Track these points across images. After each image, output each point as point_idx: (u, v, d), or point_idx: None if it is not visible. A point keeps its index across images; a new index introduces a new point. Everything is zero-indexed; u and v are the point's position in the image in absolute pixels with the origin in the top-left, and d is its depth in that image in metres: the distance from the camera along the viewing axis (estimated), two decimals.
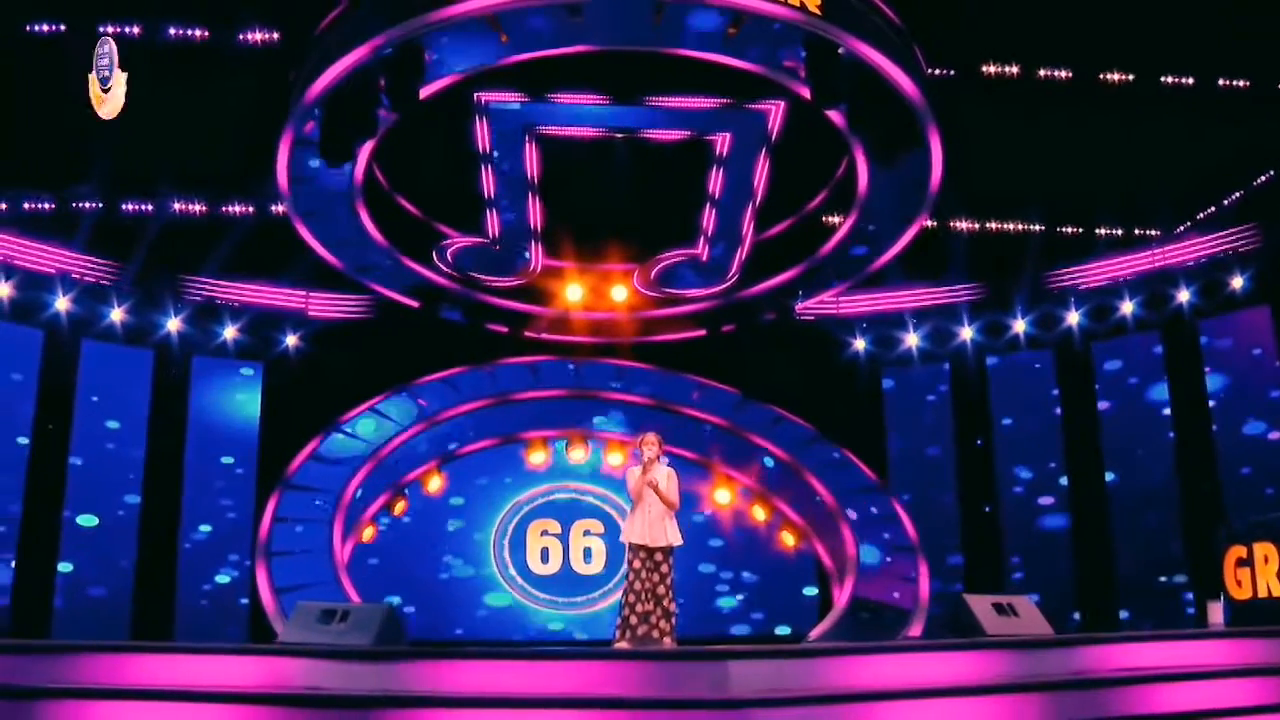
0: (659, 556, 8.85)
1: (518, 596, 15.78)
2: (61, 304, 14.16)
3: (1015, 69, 15.17)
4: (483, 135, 13.14)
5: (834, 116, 12.14)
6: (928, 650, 7.26)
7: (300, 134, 11.85)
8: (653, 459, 8.98)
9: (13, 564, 13.20)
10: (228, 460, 15.01)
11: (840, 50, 11.05)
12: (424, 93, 11.30)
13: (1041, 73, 15.23)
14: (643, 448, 9.03)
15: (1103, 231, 16.84)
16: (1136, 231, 16.22)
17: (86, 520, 14.01)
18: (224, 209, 15.24)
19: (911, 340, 16.47)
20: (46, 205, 14.78)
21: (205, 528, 14.65)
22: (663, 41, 11.13)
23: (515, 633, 15.49)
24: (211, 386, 15.19)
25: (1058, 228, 16.89)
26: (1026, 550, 15.26)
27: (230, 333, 15.37)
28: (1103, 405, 15.19)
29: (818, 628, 14.08)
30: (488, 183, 13.79)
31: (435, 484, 15.74)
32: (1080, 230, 16.88)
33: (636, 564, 8.84)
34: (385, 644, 6.98)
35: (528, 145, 13.31)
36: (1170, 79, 15.18)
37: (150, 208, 15.27)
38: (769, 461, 15.89)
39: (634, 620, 8.69)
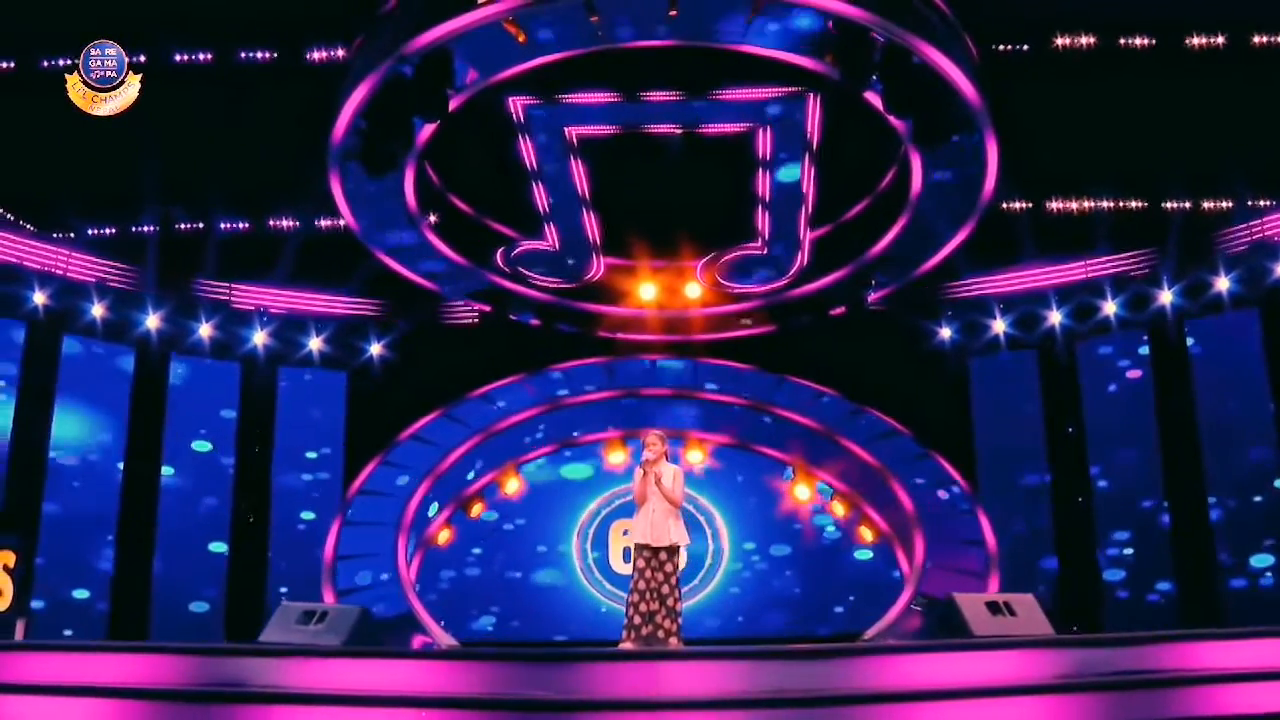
0: (663, 556, 8.80)
1: (600, 596, 15.85)
2: (151, 321, 14.92)
3: (1091, 39, 14.52)
4: (528, 151, 13.25)
5: (873, 99, 11.81)
6: (907, 652, 7.01)
7: (344, 167, 12.25)
8: (656, 458, 8.95)
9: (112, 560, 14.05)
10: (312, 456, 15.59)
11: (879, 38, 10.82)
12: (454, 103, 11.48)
13: (1121, 41, 14.54)
14: (645, 447, 9.02)
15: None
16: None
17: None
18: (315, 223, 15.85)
19: (999, 327, 15.89)
20: (141, 228, 15.64)
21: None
22: (684, 34, 11.03)
23: (599, 632, 15.54)
24: (297, 396, 15.71)
25: (1159, 203, 16.09)
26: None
27: (315, 343, 15.89)
28: (1197, 389, 14.34)
29: (875, 626, 13.76)
30: (540, 197, 13.94)
31: (513, 486, 15.93)
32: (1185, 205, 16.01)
33: (640, 563, 8.82)
34: (357, 644, 7.14)
35: (573, 160, 13.35)
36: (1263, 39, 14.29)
37: (248, 225, 16.03)
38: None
39: (638, 620, 8.65)
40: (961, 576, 13.94)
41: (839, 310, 15.31)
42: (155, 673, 5.69)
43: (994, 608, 7.52)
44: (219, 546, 14.76)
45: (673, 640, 8.61)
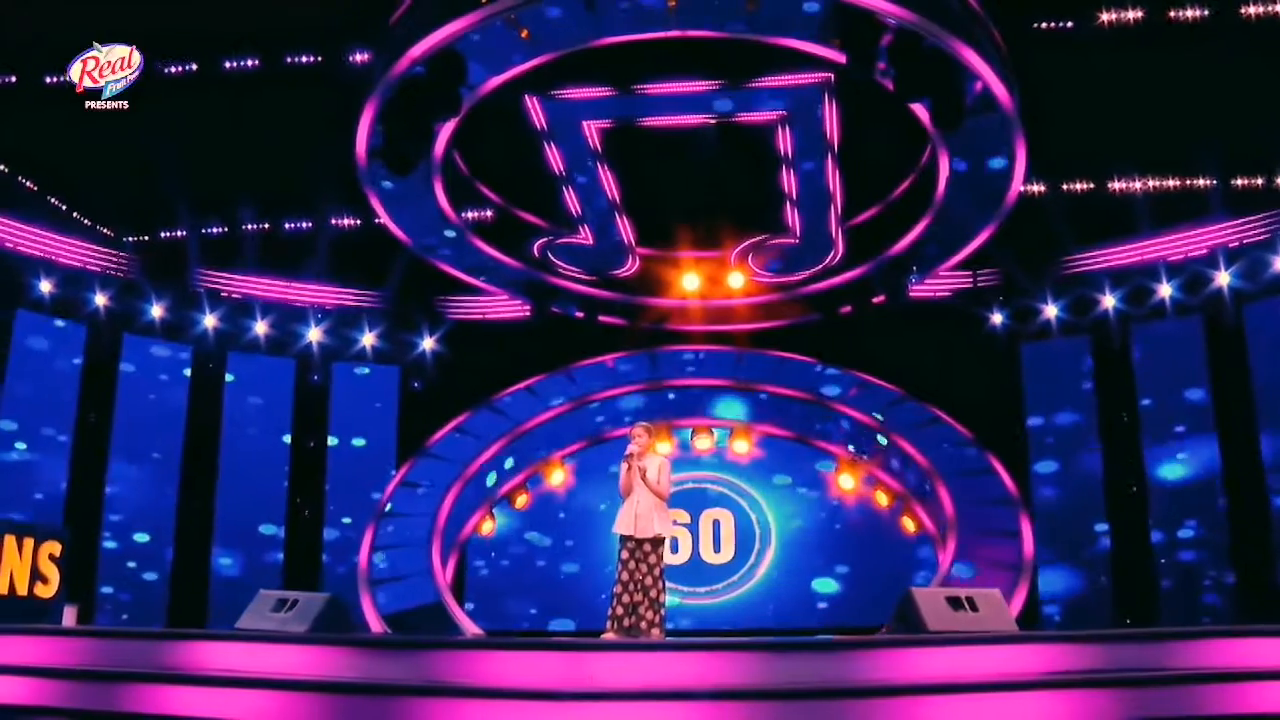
0: (647, 548, 8.79)
1: None
2: (209, 321, 15.52)
3: (1139, 13, 14.04)
4: (555, 157, 13.41)
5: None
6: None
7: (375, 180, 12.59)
8: (641, 450, 8.97)
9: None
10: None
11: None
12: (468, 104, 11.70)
13: (1171, 14, 14.02)
14: (630, 439, 9.05)
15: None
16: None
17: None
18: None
19: (1050, 311, 15.50)
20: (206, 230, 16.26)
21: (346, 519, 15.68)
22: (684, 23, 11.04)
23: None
24: (349, 390, 16.17)
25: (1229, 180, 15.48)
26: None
27: (368, 339, 16.29)
28: (1255, 372, 13.79)
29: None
30: (571, 200, 14.11)
31: (559, 477, 16.07)
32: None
33: (625, 555, 8.85)
34: (323, 630, 7.37)
35: (600, 157, 13.44)
36: None
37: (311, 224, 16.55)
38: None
39: (620, 611, 8.69)
40: (996, 569, 13.64)
41: (879, 299, 15.11)
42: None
43: (955, 603, 7.33)
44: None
45: (655, 631, 8.64)
